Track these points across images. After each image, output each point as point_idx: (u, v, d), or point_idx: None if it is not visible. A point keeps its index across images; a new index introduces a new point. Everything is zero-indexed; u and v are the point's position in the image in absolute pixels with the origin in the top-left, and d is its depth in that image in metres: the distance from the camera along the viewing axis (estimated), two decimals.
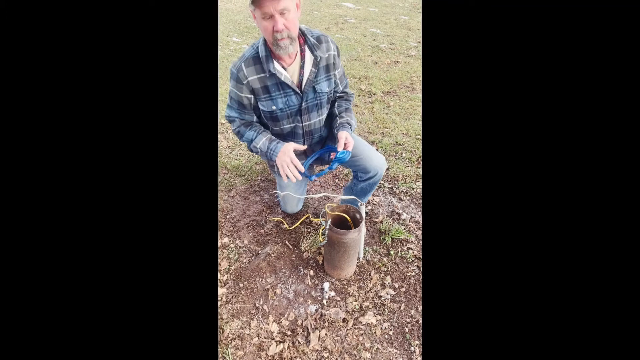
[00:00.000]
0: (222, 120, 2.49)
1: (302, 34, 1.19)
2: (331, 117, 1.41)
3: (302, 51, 1.19)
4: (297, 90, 1.22)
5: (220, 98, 2.76)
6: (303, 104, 1.25)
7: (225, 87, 2.94)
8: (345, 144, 1.22)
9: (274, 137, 1.27)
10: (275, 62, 1.17)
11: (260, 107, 1.26)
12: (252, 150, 1.31)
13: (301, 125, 1.32)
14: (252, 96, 1.24)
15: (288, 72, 1.20)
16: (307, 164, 1.34)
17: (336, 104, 1.39)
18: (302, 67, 1.21)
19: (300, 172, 1.20)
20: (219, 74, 3.21)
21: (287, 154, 1.19)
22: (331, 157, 1.29)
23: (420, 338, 1.20)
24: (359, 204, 1.32)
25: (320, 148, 1.45)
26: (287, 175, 1.19)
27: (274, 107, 1.24)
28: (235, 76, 1.21)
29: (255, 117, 1.33)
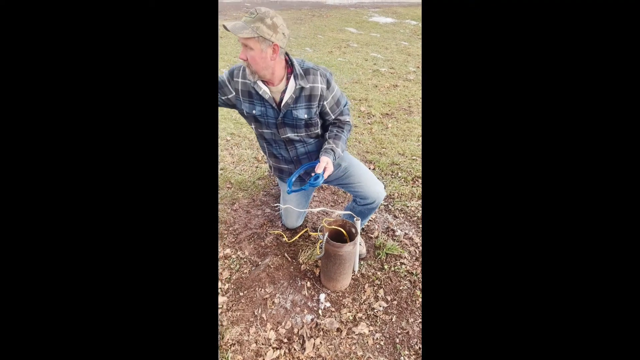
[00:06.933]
0: (227, 137, 2.60)
1: (290, 65, 1.33)
2: (324, 139, 1.51)
3: (287, 78, 1.34)
4: (275, 106, 1.37)
5: (227, 116, 2.89)
6: (279, 118, 1.39)
7: None
8: (325, 168, 1.33)
9: None
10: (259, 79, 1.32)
11: (243, 107, 1.42)
12: None
13: (280, 136, 1.45)
14: (233, 94, 1.41)
15: (272, 91, 1.35)
16: (291, 180, 1.43)
17: (328, 129, 1.49)
18: (284, 91, 1.35)
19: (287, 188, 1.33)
20: None
21: None
22: (307, 178, 1.39)
23: (409, 348, 1.27)
24: (355, 219, 1.41)
25: (308, 161, 1.53)
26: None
27: (253, 111, 1.40)
28: (231, 70, 1.39)
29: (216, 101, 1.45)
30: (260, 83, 1.33)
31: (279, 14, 1.20)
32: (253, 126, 1.50)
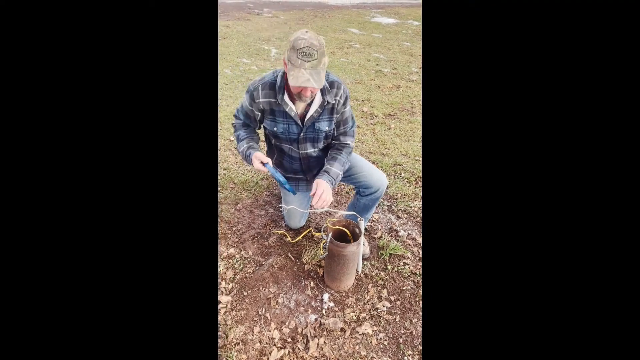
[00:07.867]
0: (231, 137, 2.61)
1: None
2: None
3: None
4: (299, 122, 1.36)
5: (230, 117, 2.90)
6: (301, 134, 1.39)
7: (233, 106, 3.09)
8: (314, 194, 1.32)
9: (252, 144, 1.42)
10: (285, 94, 1.31)
11: (264, 124, 1.42)
12: (237, 149, 1.49)
13: (297, 151, 1.47)
14: (260, 113, 1.41)
15: (296, 105, 1.33)
16: (278, 172, 1.44)
17: (330, 149, 1.48)
18: (309, 104, 1.34)
19: (280, 181, 1.38)
20: (228, 93, 3.37)
21: (254, 164, 1.37)
22: (283, 180, 1.41)
23: (413, 348, 1.27)
24: (358, 219, 1.42)
25: (318, 169, 1.53)
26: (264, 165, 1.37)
27: (275, 129, 1.40)
28: (250, 93, 1.37)
29: (256, 126, 1.50)
30: (287, 99, 1.31)
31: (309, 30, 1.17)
32: (272, 140, 1.50)
